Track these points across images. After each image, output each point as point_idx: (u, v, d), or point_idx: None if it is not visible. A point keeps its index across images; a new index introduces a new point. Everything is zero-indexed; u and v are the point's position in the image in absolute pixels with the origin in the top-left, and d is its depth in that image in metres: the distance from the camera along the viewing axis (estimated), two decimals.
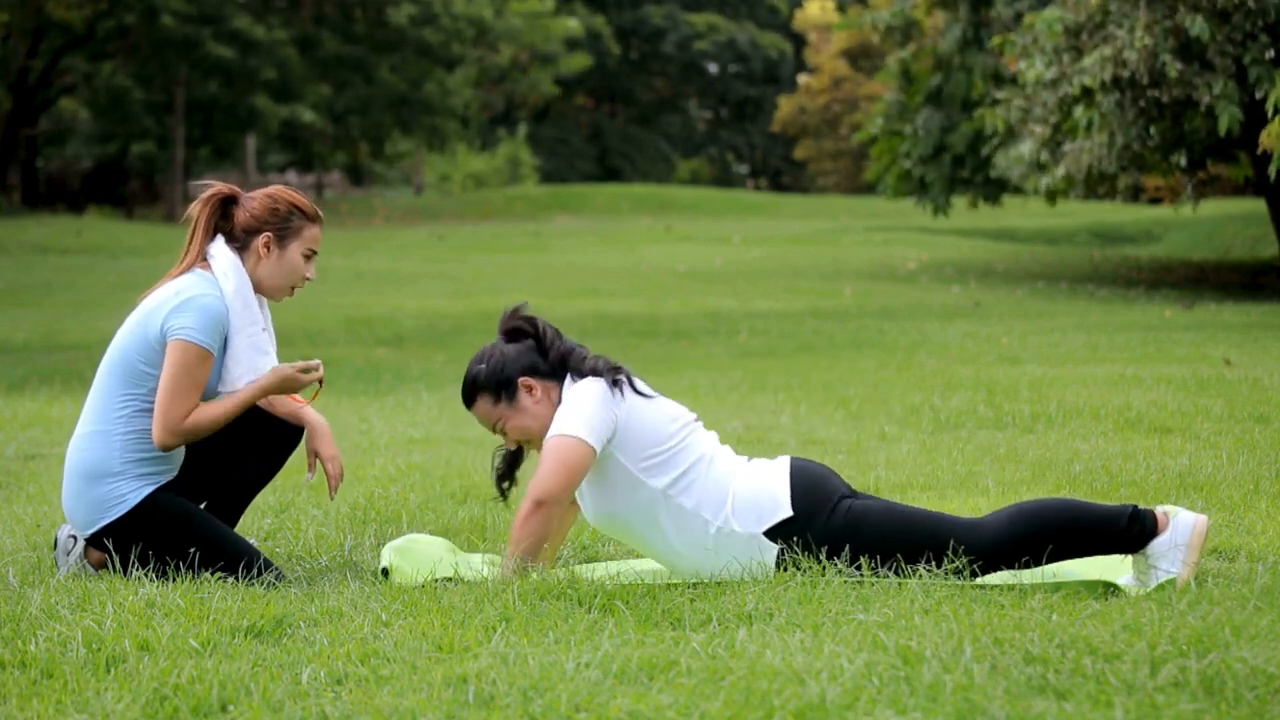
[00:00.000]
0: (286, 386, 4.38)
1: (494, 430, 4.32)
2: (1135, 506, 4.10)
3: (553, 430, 4.15)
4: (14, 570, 4.45)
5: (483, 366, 4.28)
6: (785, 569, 4.11)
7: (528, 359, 4.28)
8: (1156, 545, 4.04)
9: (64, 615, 3.74)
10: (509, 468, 4.41)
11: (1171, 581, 3.95)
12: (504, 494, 4.44)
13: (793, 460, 4.25)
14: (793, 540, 4.11)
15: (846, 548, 4.09)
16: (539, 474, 4.12)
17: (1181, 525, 4.06)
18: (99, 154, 42.91)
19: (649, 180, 56.48)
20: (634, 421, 4.18)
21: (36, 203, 40.07)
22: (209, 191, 4.49)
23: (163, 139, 38.65)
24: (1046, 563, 4.03)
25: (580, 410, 4.14)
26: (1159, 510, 4.12)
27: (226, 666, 3.27)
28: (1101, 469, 5.93)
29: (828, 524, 4.10)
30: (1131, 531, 4.04)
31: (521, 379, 4.25)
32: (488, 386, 4.27)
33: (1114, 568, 4.22)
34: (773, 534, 4.13)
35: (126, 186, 43.13)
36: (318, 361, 4.44)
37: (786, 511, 4.12)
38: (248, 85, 36.82)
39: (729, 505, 4.15)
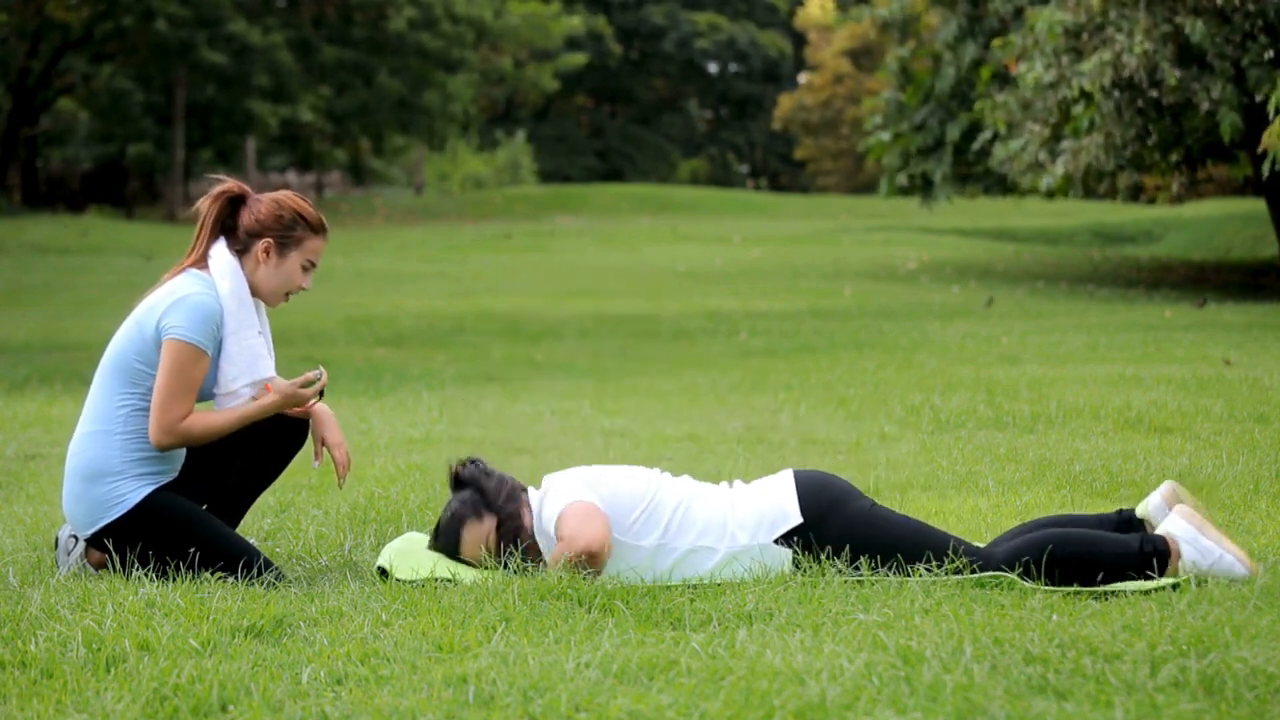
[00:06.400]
0: (291, 403, 4.39)
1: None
2: (1142, 536, 4.05)
3: (563, 500, 4.19)
4: (14, 570, 4.45)
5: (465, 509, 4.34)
6: (800, 568, 4.13)
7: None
8: (1184, 562, 4.01)
9: (64, 615, 3.74)
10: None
11: (1179, 583, 3.94)
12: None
13: (796, 471, 4.33)
14: (807, 543, 4.15)
15: (847, 548, 4.11)
16: (573, 531, 4.10)
17: (1175, 526, 4.05)
18: (99, 154, 42.88)
19: (649, 180, 56.45)
20: (611, 492, 4.24)
21: (36, 203, 40.05)
22: (219, 189, 4.49)
23: (160, 140, 38.59)
24: (1060, 584, 4.00)
25: (571, 485, 4.23)
26: (1160, 536, 4.07)
27: (226, 666, 3.27)
28: (1101, 469, 5.93)
29: (844, 523, 4.15)
30: (1144, 555, 4.01)
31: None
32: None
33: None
34: (784, 541, 4.17)
35: (127, 186, 43.11)
36: (319, 371, 4.44)
37: (796, 519, 4.18)
38: (243, 90, 36.78)
39: (730, 527, 4.21)
